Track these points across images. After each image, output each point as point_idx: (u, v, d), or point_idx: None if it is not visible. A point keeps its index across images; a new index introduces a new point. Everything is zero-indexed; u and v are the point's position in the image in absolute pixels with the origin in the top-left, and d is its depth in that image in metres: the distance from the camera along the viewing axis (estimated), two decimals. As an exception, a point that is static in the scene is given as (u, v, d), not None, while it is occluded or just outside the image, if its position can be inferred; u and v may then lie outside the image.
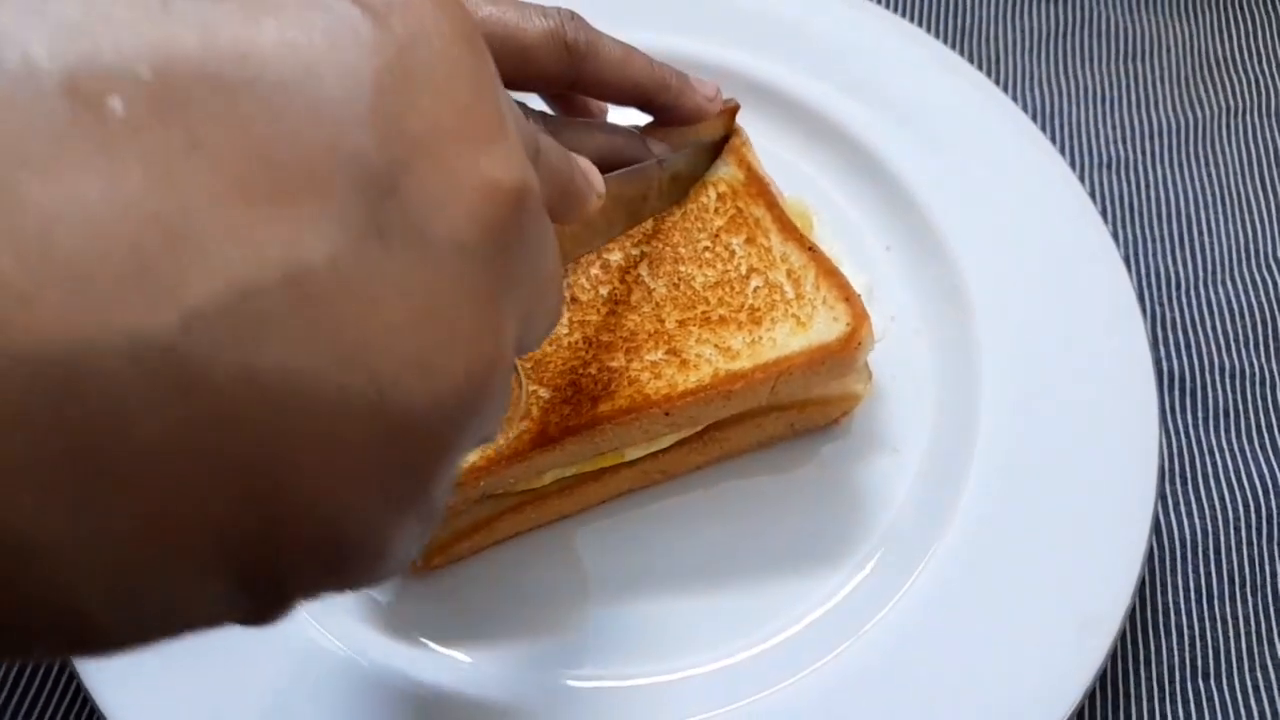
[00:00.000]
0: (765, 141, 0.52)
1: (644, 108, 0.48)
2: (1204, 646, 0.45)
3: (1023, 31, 0.65)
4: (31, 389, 0.16)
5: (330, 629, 0.44)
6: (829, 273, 0.45)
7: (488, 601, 0.46)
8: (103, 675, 0.42)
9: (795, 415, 0.47)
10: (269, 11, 0.19)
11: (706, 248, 0.47)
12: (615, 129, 0.47)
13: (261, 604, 0.21)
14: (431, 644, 0.45)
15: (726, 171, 0.49)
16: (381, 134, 0.19)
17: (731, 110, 0.49)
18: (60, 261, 0.16)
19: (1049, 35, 0.65)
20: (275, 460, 0.18)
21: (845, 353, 0.43)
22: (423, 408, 0.20)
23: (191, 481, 0.18)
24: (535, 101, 0.52)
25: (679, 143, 0.49)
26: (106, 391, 0.16)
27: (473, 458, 0.43)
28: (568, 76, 0.45)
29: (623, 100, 0.47)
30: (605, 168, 0.44)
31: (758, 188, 0.48)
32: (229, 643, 0.43)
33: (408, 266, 0.20)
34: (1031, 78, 0.63)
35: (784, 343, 0.44)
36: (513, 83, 0.47)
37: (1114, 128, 0.61)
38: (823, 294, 0.45)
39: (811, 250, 0.46)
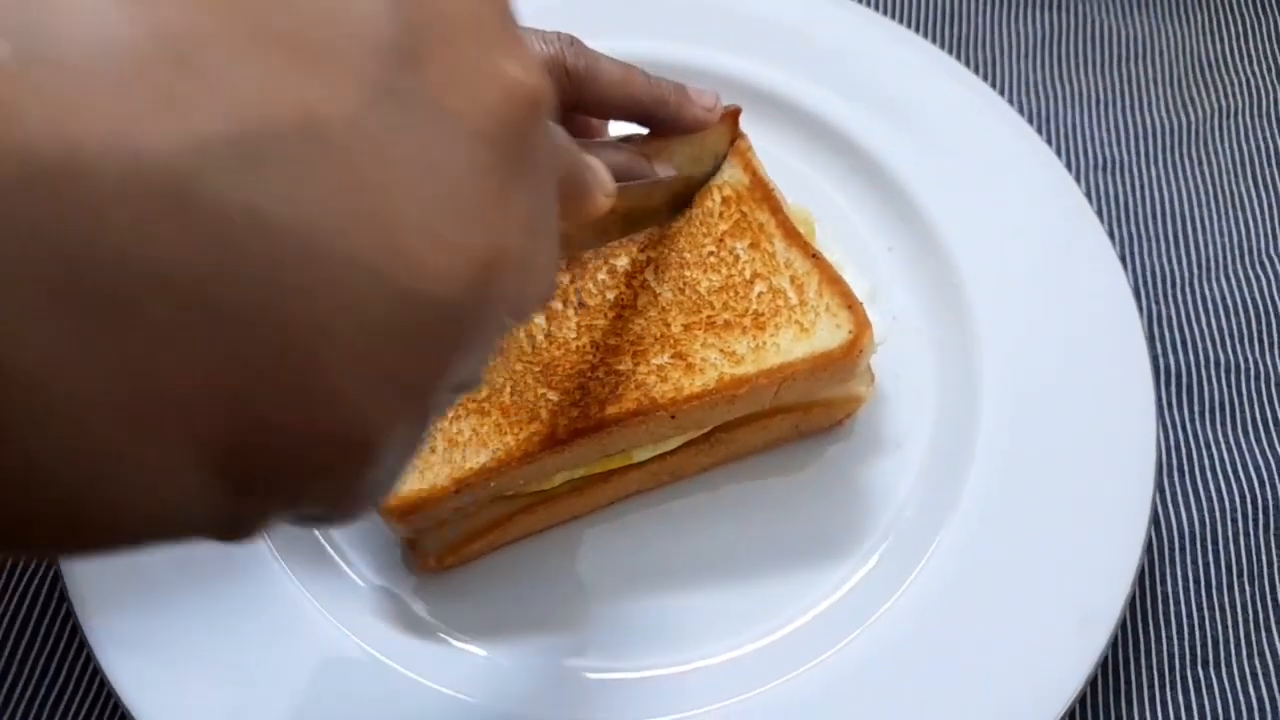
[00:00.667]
0: (766, 145, 0.52)
1: (644, 123, 0.49)
2: (1203, 635, 0.46)
3: (1018, 37, 0.66)
4: (20, 188, 0.15)
5: (349, 625, 0.45)
6: (832, 280, 0.46)
7: (502, 598, 0.47)
8: (127, 673, 0.43)
9: (800, 417, 0.48)
10: None
11: (711, 252, 0.48)
12: (620, 148, 0.48)
13: (237, 509, 0.19)
14: (449, 639, 0.46)
15: (731, 175, 0.50)
16: (407, 8, 0.19)
17: (733, 115, 0.50)
18: (64, 60, 0.16)
19: (1043, 40, 0.66)
20: (276, 318, 0.17)
21: (848, 359, 0.44)
22: (437, 283, 0.19)
23: (183, 325, 0.17)
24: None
25: (682, 151, 0.50)
26: (102, 208, 0.16)
27: (483, 459, 0.44)
28: (569, 101, 0.46)
29: (623, 118, 0.48)
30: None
31: (762, 192, 0.49)
32: (249, 640, 0.44)
33: (426, 137, 0.19)
34: (1027, 82, 0.64)
35: (787, 348, 0.45)
36: None
37: (1108, 130, 0.62)
38: (825, 301, 0.46)
39: (815, 257, 0.47)
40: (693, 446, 0.48)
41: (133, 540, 0.19)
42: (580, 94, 0.46)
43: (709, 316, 0.46)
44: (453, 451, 0.44)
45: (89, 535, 0.18)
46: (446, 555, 0.47)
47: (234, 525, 0.20)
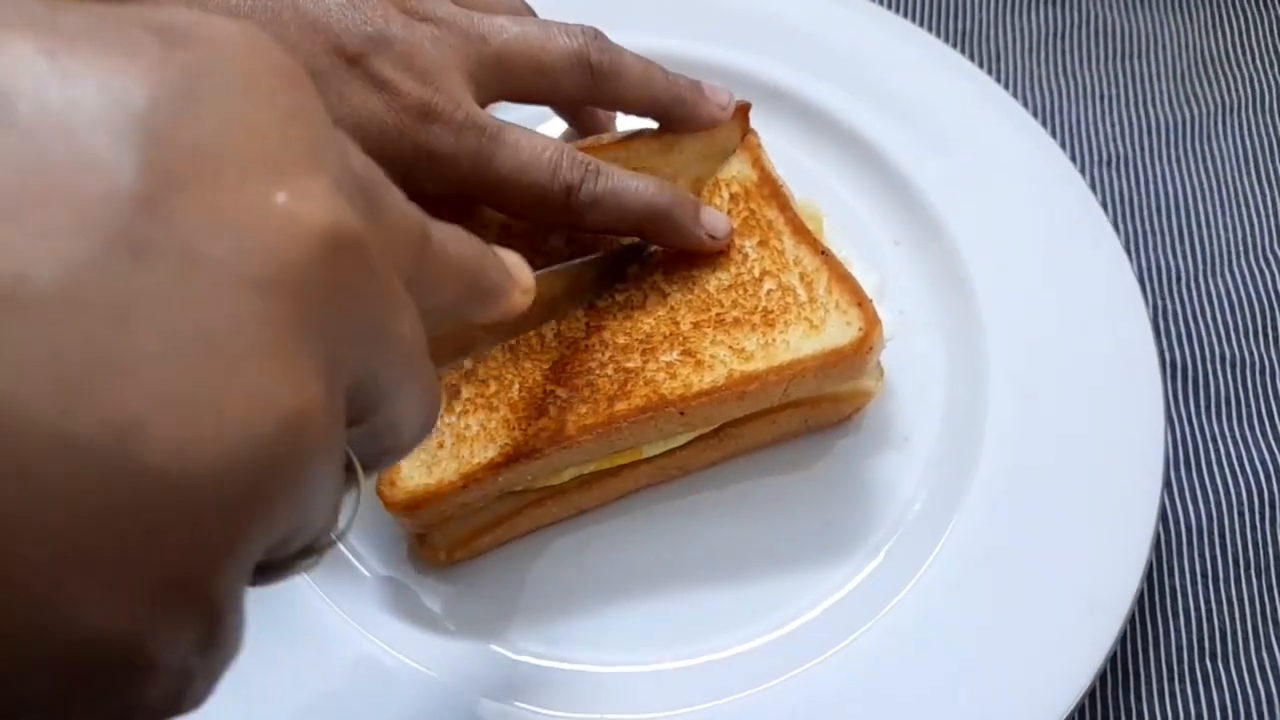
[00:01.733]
0: (773, 140, 0.52)
1: (659, 119, 0.49)
2: (1210, 628, 0.46)
3: (1021, 32, 0.66)
4: None
5: (356, 618, 0.45)
6: (841, 277, 0.46)
7: (511, 592, 0.47)
8: None
9: (809, 412, 0.48)
10: (52, 31, 0.17)
11: (720, 252, 0.48)
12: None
13: None
14: (458, 632, 0.45)
15: (739, 172, 0.50)
16: (147, 147, 0.17)
17: (744, 110, 0.50)
18: None
19: (1047, 36, 0.66)
20: None
21: (858, 356, 0.44)
22: (186, 465, 0.16)
23: None
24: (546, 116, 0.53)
25: (691, 147, 0.49)
26: None
27: (491, 454, 0.44)
28: (589, 96, 0.46)
29: (640, 114, 0.48)
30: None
31: (770, 189, 0.49)
32: (256, 632, 0.44)
33: (177, 291, 0.16)
34: (1031, 77, 0.64)
35: (797, 345, 0.45)
36: (534, 100, 0.48)
37: (1112, 125, 0.62)
38: (835, 298, 0.46)
39: (824, 254, 0.47)
40: (701, 441, 0.47)
41: None
42: (601, 90, 0.46)
43: (718, 314, 0.46)
44: (460, 447, 0.44)
45: None
46: (455, 549, 0.47)
47: None
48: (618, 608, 0.46)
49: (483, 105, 0.44)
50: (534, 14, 0.49)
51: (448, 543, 0.46)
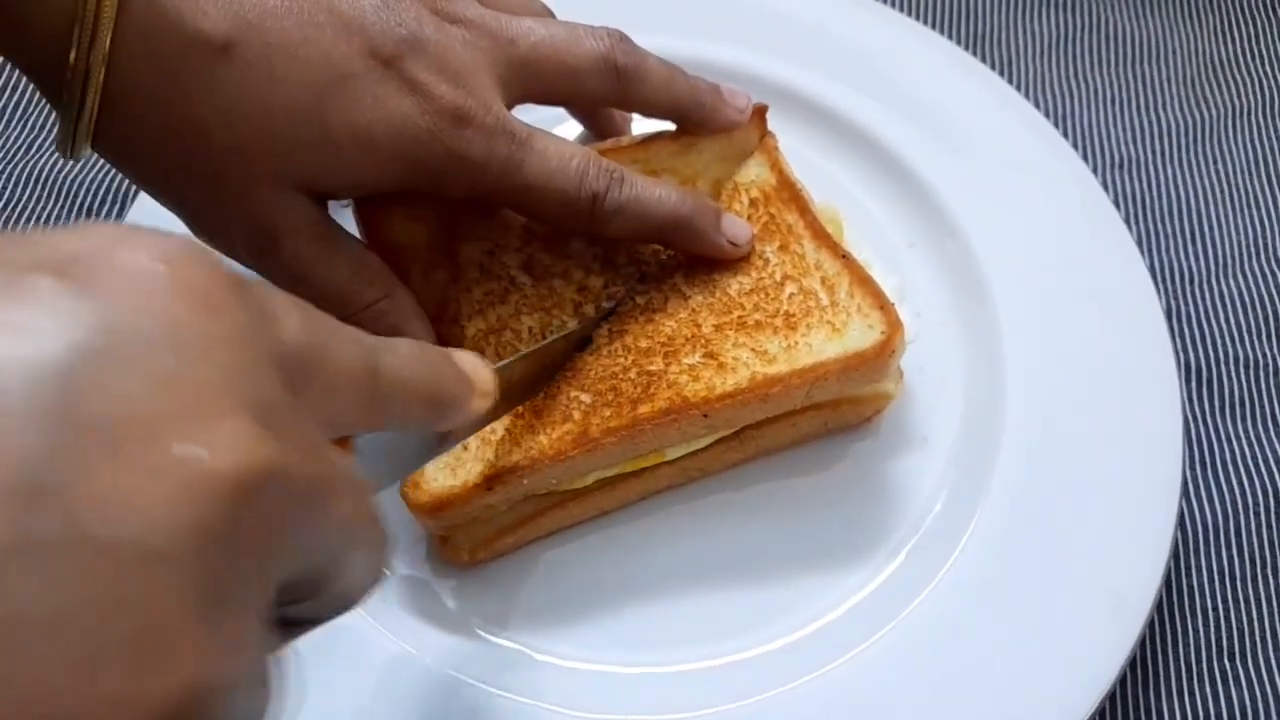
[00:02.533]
0: (788, 141, 0.52)
1: (679, 122, 0.49)
2: (1228, 627, 0.46)
3: (1033, 36, 0.66)
4: None
5: (378, 618, 0.44)
6: (862, 280, 0.46)
7: (533, 592, 0.46)
8: None
9: (829, 414, 0.48)
10: None
11: (741, 257, 0.48)
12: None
13: None
14: (481, 632, 0.45)
15: (758, 176, 0.50)
16: (51, 428, 0.16)
17: (760, 112, 0.50)
18: None
19: (1058, 40, 0.66)
20: None
21: (880, 359, 0.44)
22: None
23: None
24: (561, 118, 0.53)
25: (710, 148, 0.50)
26: None
27: (516, 457, 0.44)
28: (613, 98, 0.46)
29: (661, 116, 0.48)
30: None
31: (790, 193, 0.49)
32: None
33: (66, 583, 0.16)
34: (1043, 80, 0.64)
35: (819, 349, 0.45)
36: (559, 102, 0.48)
37: (1124, 129, 0.62)
38: (857, 301, 0.46)
39: (845, 258, 0.47)
40: (722, 443, 0.47)
41: None
42: (625, 92, 0.46)
43: (739, 317, 0.46)
44: (485, 449, 0.44)
45: None
46: (478, 549, 0.47)
47: None
48: (640, 608, 0.46)
49: (509, 107, 0.44)
50: (554, 16, 0.49)
51: (470, 543, 0.46)
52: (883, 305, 0.45)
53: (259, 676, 0.20)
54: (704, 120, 0.48)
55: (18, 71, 0.47)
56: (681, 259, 0.48)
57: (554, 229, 0.48)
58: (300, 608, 0.23)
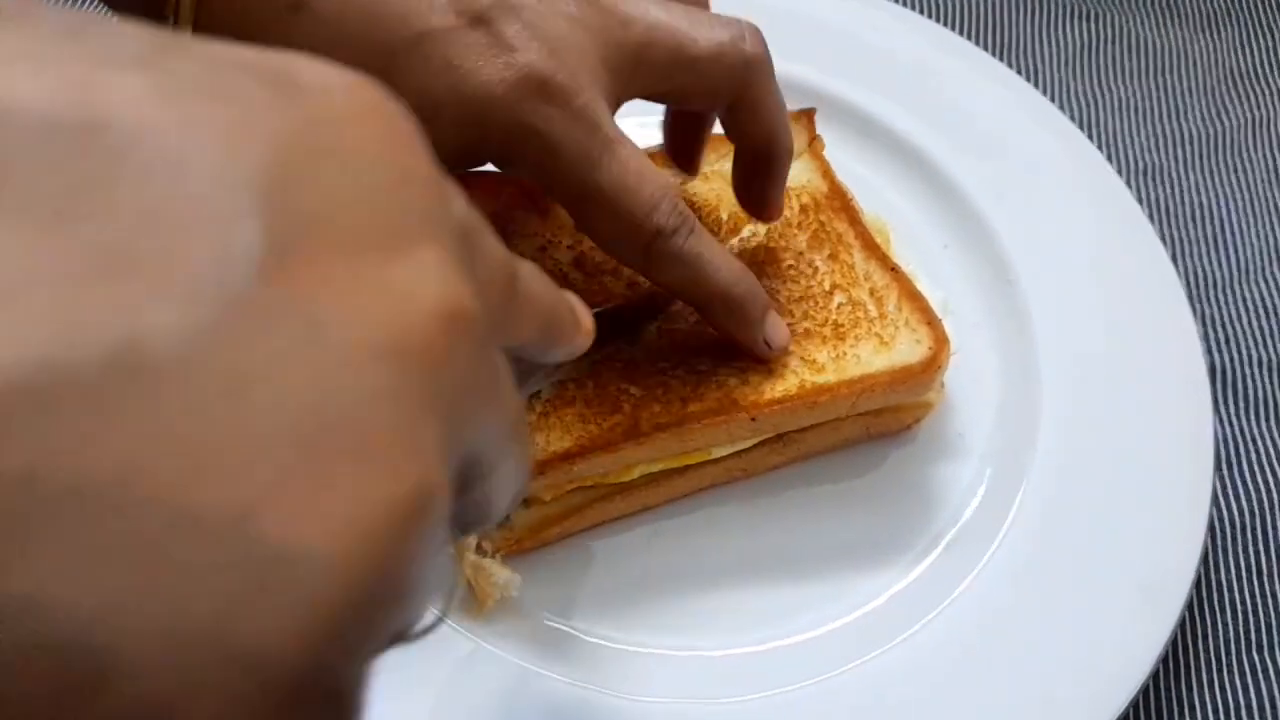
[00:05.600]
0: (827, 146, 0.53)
1: (758, 162, 0.44)
2: (1257, 621, 0.47)
3: (1058, 46, 0.67)
4: None
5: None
6: (911, 295, 0.46)
7: (579, 579, 0.47)
8: None
9: (872, 420, 0.48)
10: (167, 74, 0.16)
11: (791, 265, 0.48)
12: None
13: None
14: (530, 615, 0.46)
15: (809, 180, 0.50)
16: (265, 210, 0.15)
17: (809, 115, 0.51)
18: None
19: (1082, 50, 0.67)
20: (74, 605, 0.13)
21: (927, 375, 0.45)
22: (311, 548, 0.14)
23: None
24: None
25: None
26: None
27: (565, 444, 0.44)
28: (729, 97, 0.41)
29: (755, 141, 0.43)
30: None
31: (840, 201, 0.49)
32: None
33: (294, 359, 0.15)
34: (1067, 89, 0.65)
35: (868, 360, 0.45)
36: (670, 98, 0.43)
37: (1147, 136, 0.63)
38: (905, 315, 0.46)
39: (894, 270, 0.47)
40: (766, 445, 0.48)
41: None
42: (745, 95, 0.41)
43: (789, 325, 0.47)
44: (536, 435, 0.45)
45: None
46: (524, 539, 0.47)
47: None
48: (685, 597, 0.46)
49: (613, 100, 0.39)
50: None
51: (516, 533, 0.47)
52: (930, 321, 0.46)
53: (445, 554, 0.18)
54: (777, 174, 0.44)
55: None
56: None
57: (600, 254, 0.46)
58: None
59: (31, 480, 0.12)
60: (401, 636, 0.17)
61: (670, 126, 0.47)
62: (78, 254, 0.13)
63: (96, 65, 0.15)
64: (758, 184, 0.44)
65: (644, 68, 0.39)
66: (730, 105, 0.42)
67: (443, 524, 0.17)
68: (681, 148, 0.47)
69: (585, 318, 0.28)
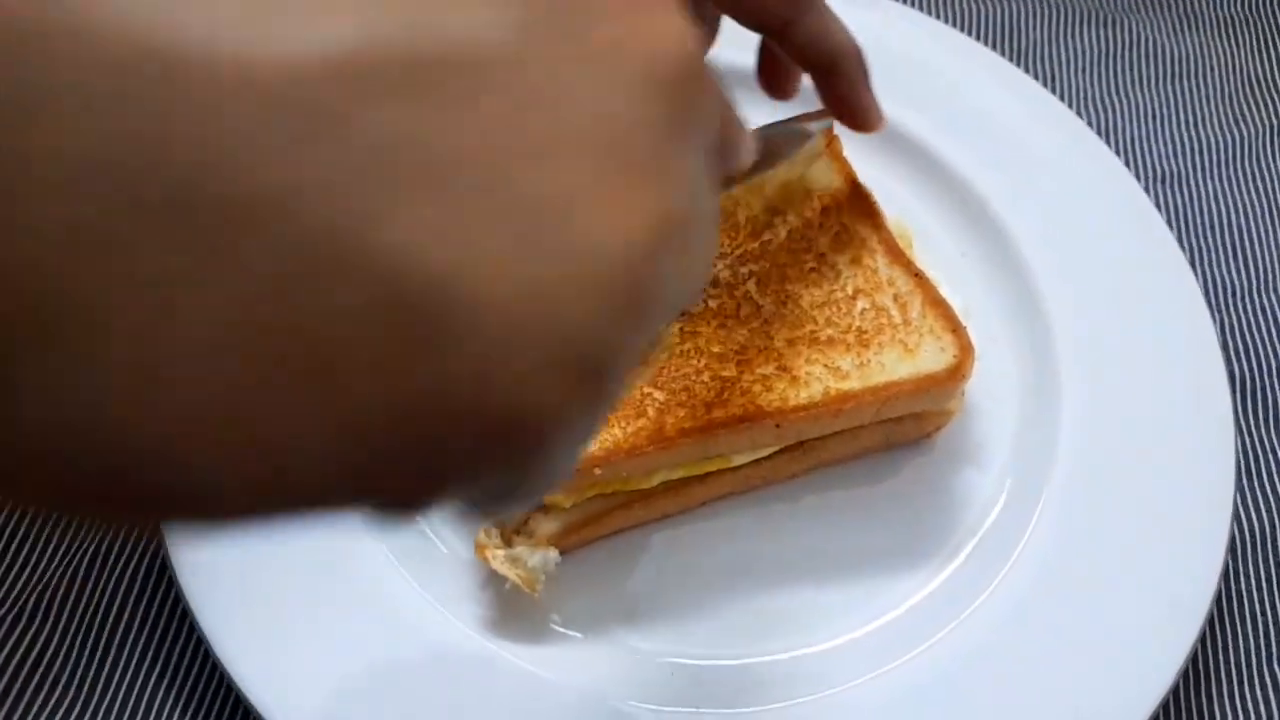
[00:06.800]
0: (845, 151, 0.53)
1: (824, 80, 0.44)
2: (1277, 632, 0.47)
3: (1075, 52, 0.67)
4: (118, 78, 0.12)
5: (453, 612, 0.45)
6: (935, 301, 0.46)
7: (601, 586, 0.47)
8: (233, 646, 0.42)
9: (891, 428, 0.48)
10: None
11: (813, 268, 0.47)
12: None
13: (393, 491, 0.17)
14: (552, 624, 0.45)
15: (830, 181, 0.50)
16: None
17: (825, 113, 0.50)
18: None
19: (1099, 56, 0.67)
20: (421, 269, 0.15)
21: (952, 383, 0.44)
22: (609, 239, 0.16)
23: (311, 273, 0.14)
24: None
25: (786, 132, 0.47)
26: (232, 118, 0.13)
27: (590, 447, 0.44)
28: (787, 14, 0.41)
29: (815, 60, 0.43)
30: None
31: (863, 204, 0.49)
32: (355, 626, 0.44)
33: (591, 79, 0.17)
34: (1085, 95, 0.65)
35: (892, 368, 0.45)
36: (742, 8, 0.43)
37: (1165, 144, 0.63)
38: (929, 322, 0.46)
39: (918, 276, 0.47)
40: (785, 453, 0.47)
41: (268, 513, 0.16)
42: (805, 6, 0.41)
43: (812, 331, 0.46)
44: None
45: (229, 501, 0.16)
46: (544, 545, 0.47)
47: (403, 498, 0.17)
48: (704, 604, 0.46)
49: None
50: None
51: (536, 537, 0.47)
52: (955, 328, 0.45)
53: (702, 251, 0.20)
54: (859, 75, 0.44)
55: None
56: (751, 260, 0.49)
57: None
58: None
59: (410, 144, 0.14)
60: (652, 342, 0.19)
61: (761, 60, 0.48)
62: None
63: None
64: (850, 93, 0.44)
65: None
66: (793, 18, 0.42)
67: (686, 245, 0.19)
68: (772, 76, 0.47)
69: (749, 137, 0.28)
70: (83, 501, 0.15)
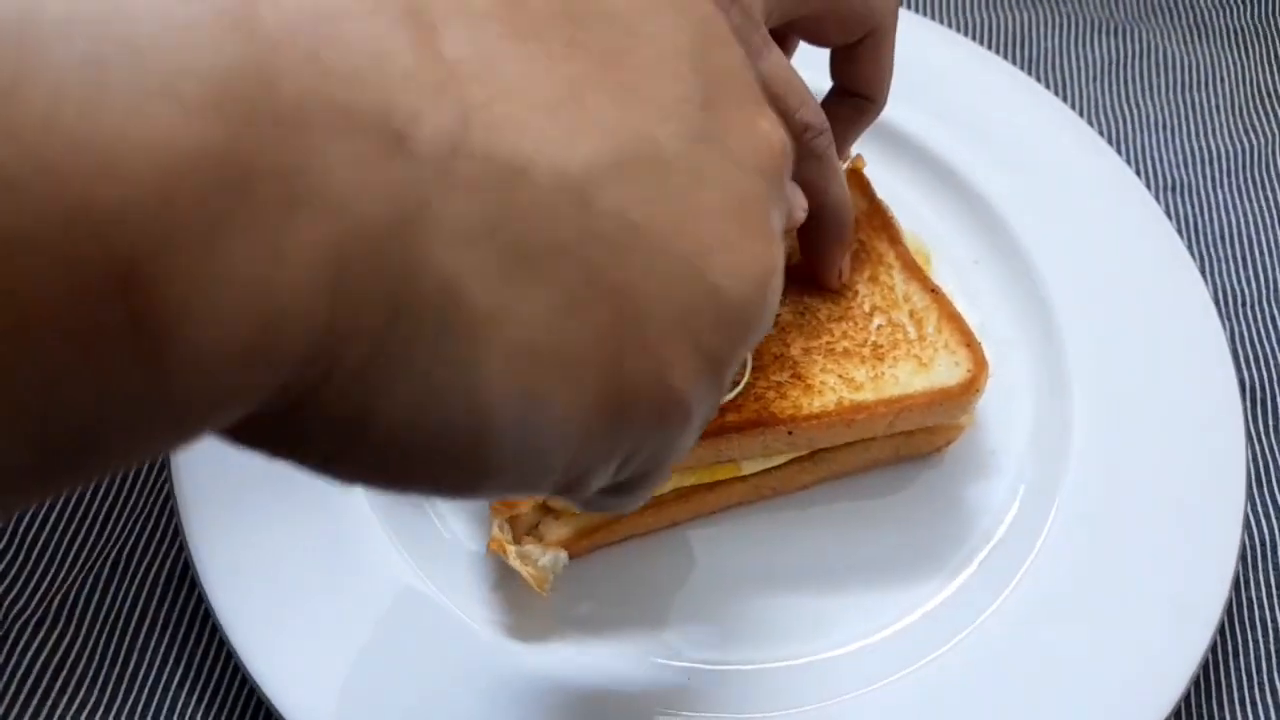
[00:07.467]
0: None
1: (864, 102, 0.47)
2: (1288, 640, 0.48)
3: (1086, 61, 0.67)
4: (484, 185, 0.19)
5: (469, 613, 0.45)
6: (951, 316, 0.46)
7: (610, 592, 0.47)
8: (252, 643, 0.43)
9: (903, 440, 0.48)
10: None
11: (833, 290, 0.48)
12: None
13: (600, 456, 0.23)
14: (558, 630, 0.46)
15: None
16: (700, 69, 0.24)
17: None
18: (511, 88, 0.20)
19: (1111, 65, 0.67)
20: (632, 293, 0.21)
21: (965, 397, 0.45)
22: (736, 285, 0.23)
23: (581, 296, 0.20)
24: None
25: None
26: (537, 202, 0.20)
27: None
28: (862, 30, 0.43)
29: (865, 83, 0.46)
30: None
31: (881, 220, 0.49)
32: (370, 621, 0.45)
33: (723, 168, 0.23)
34: (1095, 105, 0.66)
35: (906, 381, 0.45)
36: (805, 27, 0.44)
37: (1175, 153, 0.63)
38: (944, 338, 0.46)
39: (934, 292, 0.47)
40: (796, 463, 0.48)
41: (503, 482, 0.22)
42: (866, 36, 0.44)
43: (828, 343, 0.47)
44: None
45: (503, 474, 0.22)
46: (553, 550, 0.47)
47: (576, 480, 0.23)
48: (714, 610, 0.46)
49: (765, 12, 0.40)
50: None
51: (546, 541, 0.47)
52: (969, 343, 0.45)
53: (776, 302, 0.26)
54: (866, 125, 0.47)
55: None
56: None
57: None
58: None
59: (624, 214, 0.21)
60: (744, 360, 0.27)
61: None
62: (595, 76, 0.22)
63: None
64: (822, 249, 0.47)
65: None
66: (854, 44, 0.44)
67: (778, 279, 0.25)
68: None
69: (803, 200, 0.38)
70: (436, 469, 0.21)
